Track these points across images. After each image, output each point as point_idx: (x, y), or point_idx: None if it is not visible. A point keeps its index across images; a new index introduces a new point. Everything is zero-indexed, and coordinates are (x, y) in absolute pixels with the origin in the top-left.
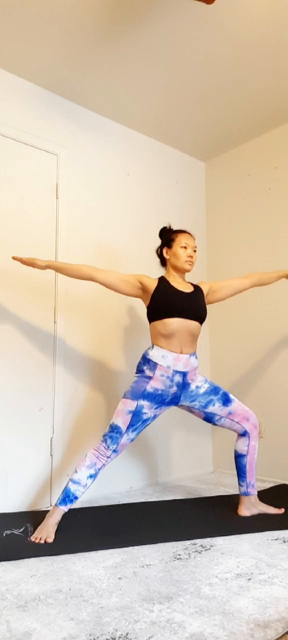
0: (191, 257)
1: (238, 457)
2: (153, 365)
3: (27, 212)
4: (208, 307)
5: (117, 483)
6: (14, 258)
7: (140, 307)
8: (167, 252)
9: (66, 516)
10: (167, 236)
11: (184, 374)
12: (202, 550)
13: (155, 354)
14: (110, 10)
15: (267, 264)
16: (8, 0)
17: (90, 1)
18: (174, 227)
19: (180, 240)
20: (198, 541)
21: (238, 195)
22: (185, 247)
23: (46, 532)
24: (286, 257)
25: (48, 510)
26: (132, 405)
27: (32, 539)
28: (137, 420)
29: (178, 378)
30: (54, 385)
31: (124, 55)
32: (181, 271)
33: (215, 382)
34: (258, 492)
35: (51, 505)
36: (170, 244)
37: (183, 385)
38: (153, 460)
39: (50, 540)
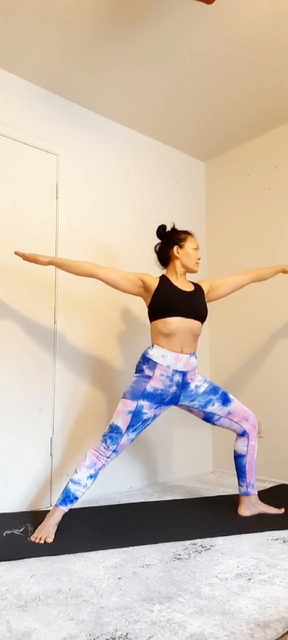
0: (200, 259)
1: (238, 458)
2: (153, 365)
3: (27, 212)
4: (208, 305)
5: (117, 483)
6: (16, 253)
7: (141, 307)
8: (177, 251)
9: (66, 516)
10: (177, 236)
11: (184, 374)
12: (202, 550)
13: (155, 353)
14: (110, 10)
15: (266, 264)
16: (8, 0)
17: (90, 1)
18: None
19: (192, 241)
20: (198, 541)
21: (238, 195)
22: (195, 249)
23: (46, 532)
24: (286, 258)
25: (48, 510)
26: (131, 405)
27: (32, 539)
28: (137, 420)
29: (177, 377)
30: (54, 385)
31: (124, 55)
32: (190, 271)
33: (215, 381)
34: (258, 492)
35: (51, 505)
36: (181, 244)
37: (183, 385)
38: (153, 460)
39: (50, 540)
